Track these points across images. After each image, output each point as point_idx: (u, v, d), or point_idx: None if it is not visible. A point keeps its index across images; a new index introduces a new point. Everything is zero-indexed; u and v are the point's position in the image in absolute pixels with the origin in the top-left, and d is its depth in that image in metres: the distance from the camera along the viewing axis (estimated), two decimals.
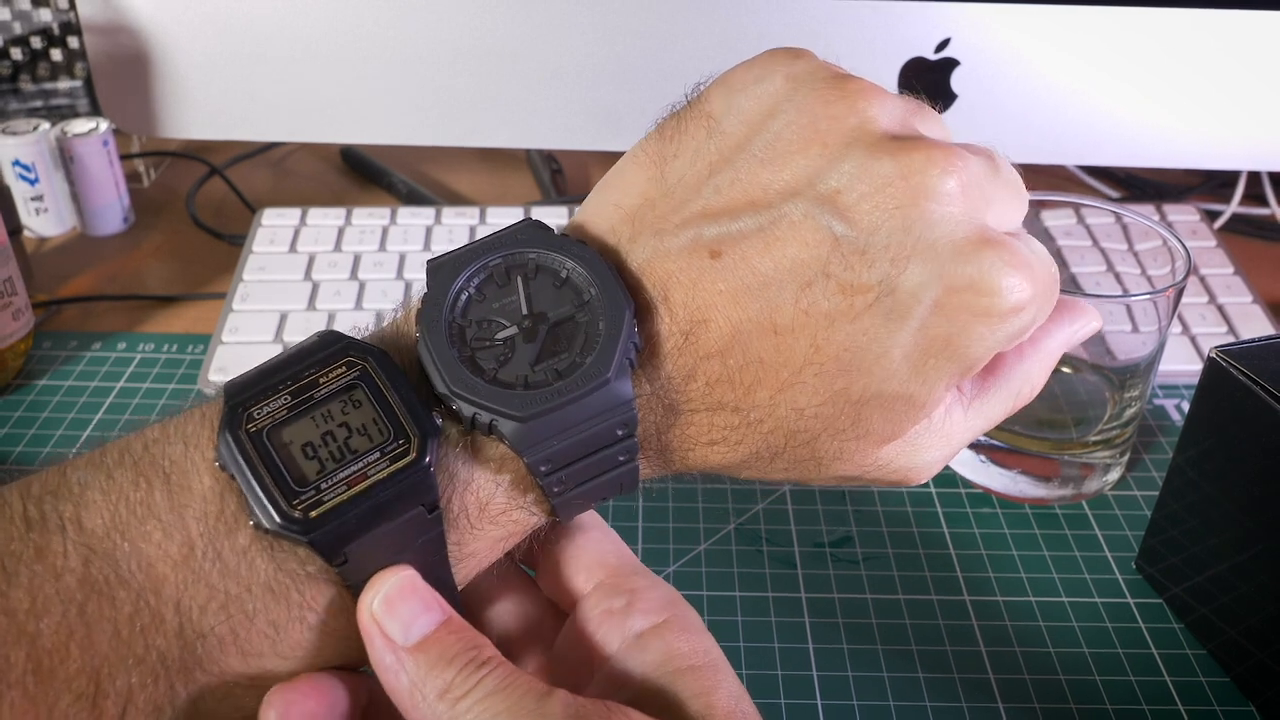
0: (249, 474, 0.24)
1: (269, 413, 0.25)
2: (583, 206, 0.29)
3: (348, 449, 0.25)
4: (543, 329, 0.26)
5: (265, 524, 0.24)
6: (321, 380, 0.25)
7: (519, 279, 0.27)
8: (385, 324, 0.28)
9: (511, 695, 0.24)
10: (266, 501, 0.24)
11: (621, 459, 0.26)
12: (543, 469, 0.25)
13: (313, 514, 0.24)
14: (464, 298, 0.27)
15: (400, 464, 0.24)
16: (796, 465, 0.28)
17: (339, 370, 0.25)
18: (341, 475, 0.24)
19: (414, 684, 0.24)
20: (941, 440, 0.29)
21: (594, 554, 0.29)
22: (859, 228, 0.26)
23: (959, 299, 0.26)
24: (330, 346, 0.26)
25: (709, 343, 0.26)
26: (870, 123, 0.27)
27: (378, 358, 0.26)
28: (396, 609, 0.25)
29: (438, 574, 0.26)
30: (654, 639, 0.27)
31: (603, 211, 0.28)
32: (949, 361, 0.27)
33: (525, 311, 0.27)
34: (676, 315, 0.26)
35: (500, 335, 0.26)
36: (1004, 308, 0.26)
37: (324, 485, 0.24)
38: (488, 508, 0.26)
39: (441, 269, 0.27)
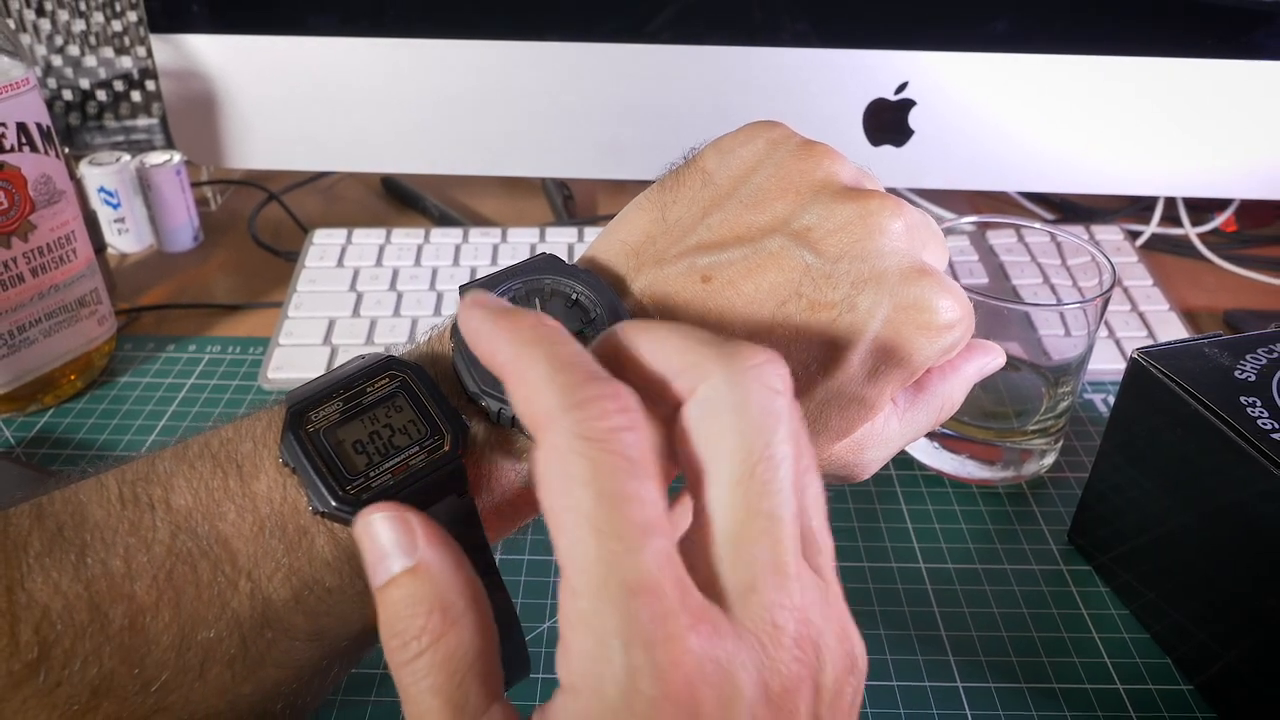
0: (308, 467, 0.24)
1: (324, 416, 0.25)
2: (593, 244, 0.30)
3: (391, 445, 0.25)
4: None
5: (321, 508, 0.24)
6: (369, 389, 0.26)
7: (537, 300, 0.28)
8: (421, 342, 0.29)
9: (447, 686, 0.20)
10: (323, 489, 0.24)
11: None
12: None
13: (362, 497, 0.24)
14: None
15: (436, 455, 0.25)
16: None
17: (383, 381, 0.26)
18: (386, 466, 0.25)
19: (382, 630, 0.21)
20: (881, 443, 0.30)
21: None
22: (826, 257, 0.27)
23: (905, 315, 0.27)
24: (375, 362, 0.27)
25: None
26: (833, 177, 0.29)
27: (415, 370, 0.26)
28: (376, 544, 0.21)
29: (471, 543, 0.26)
30: None
31: (611, 247, 0.30)
32: (896, 368, 0.28)
33: None
34: None
35: None
36: (940, 323, 0.28)
37: (372, 474, 0.25)
38: (509, 491, 0.27)
39: (472, 291, 0.27)
